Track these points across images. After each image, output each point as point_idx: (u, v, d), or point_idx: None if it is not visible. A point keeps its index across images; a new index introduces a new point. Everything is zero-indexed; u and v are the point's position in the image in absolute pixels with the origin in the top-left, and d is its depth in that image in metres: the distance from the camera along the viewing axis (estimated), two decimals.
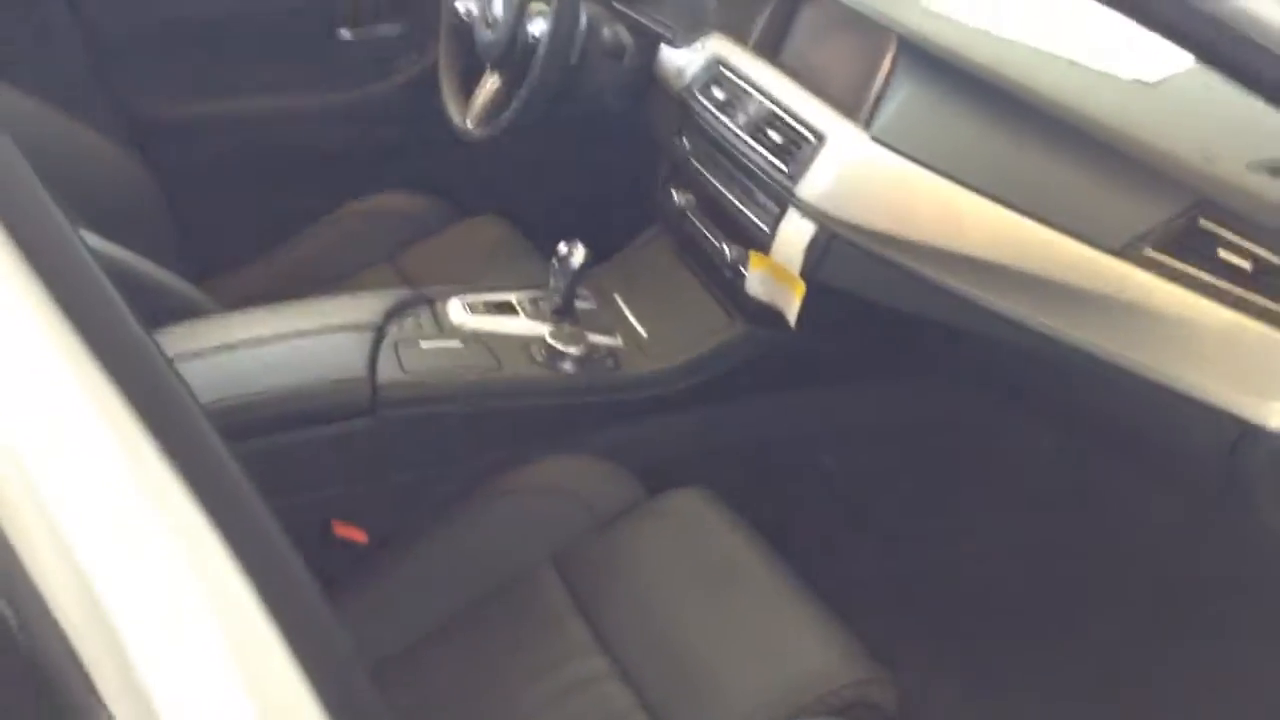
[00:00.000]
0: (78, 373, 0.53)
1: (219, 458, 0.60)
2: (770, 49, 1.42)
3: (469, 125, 1.65)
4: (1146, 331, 0.96)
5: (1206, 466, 0.98)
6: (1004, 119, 1.07)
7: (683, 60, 1.50)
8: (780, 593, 1.13)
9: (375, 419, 1.24)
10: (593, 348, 1.39)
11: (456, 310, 1.43)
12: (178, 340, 1.25)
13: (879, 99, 1.19)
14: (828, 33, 1.35)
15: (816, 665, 1.04)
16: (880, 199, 1.14)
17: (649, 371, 1.41)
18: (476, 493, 1.27)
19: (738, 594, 1.13)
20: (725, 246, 1.42)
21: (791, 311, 1.27)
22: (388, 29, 2.06)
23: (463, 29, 1.70)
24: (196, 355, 1.24)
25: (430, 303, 1.44)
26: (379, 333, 1.33)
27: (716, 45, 1.46)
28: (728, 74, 1.41)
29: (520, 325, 1.43)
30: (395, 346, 1.31)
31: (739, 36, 1.45)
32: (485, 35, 1.59)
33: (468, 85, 1.71)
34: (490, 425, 1.32)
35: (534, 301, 1.47)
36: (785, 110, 1.28)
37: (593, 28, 1.53)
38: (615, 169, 1.84)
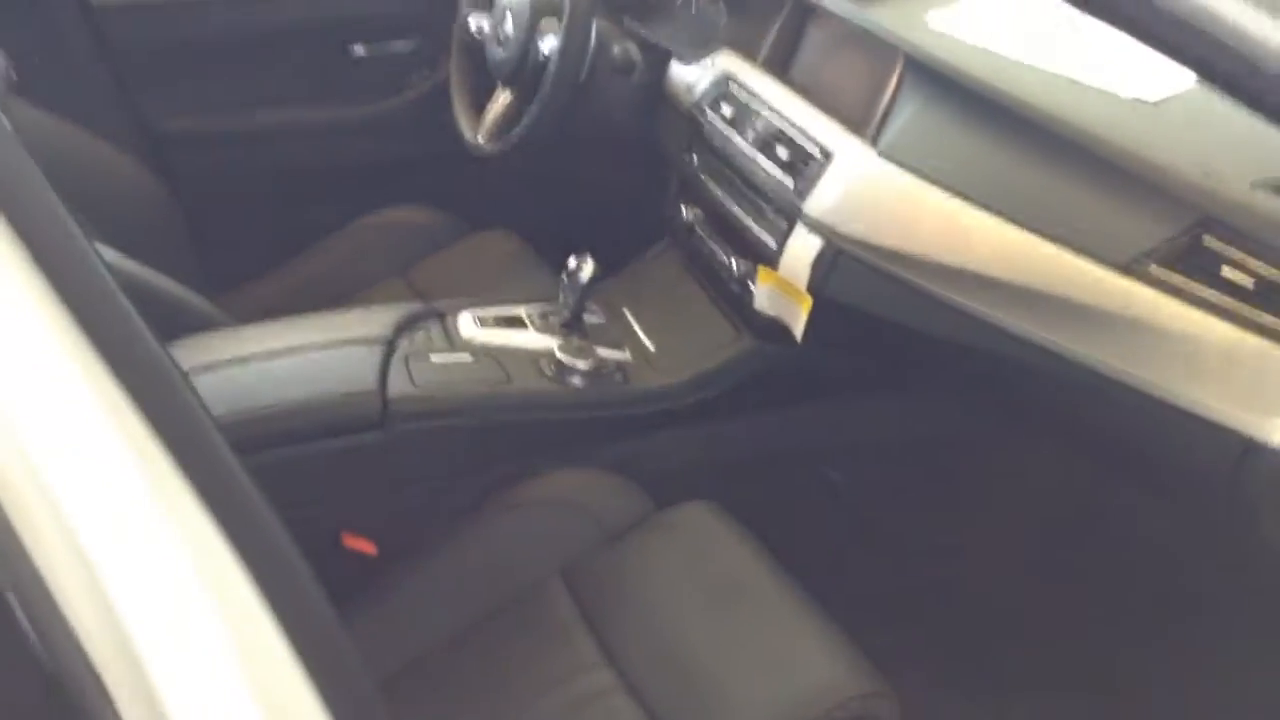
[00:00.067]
0: (94, 385, 0.54)
1: (231, 469, 0.60)
2: (779, 66, 1.43)
3: (480, 140, 1.67)
4: (1150, 348, 0.96)
5: (1210, 483, 0.98)
6: (1009, 136, 1.07)
7: (692, 77, 1.51)
8: (786, 607, 1.13)
9: (385, 432, 1.25)
10: (601, 362, 1.39)
11: (467, 324, 1.44)
12: (192, 353, 1.27)
13: (886, 116, 1.20)
14: (835, 50, 1.37)
15: (822, 679, 1.04)
16: (887, 215, 1.15)
17: (657, 385, 1.42)
18: (485, 506, 1.28)
19: (744, 607, 1.14)
20: (733, 261, 1.43)
21: (798, 326, 1.28)
22: (401, 46, 2.08)
23: (474, 46, 1.72)
24: (210, 368, 1.25)
25: (441, 316, 1.45)
26: (389, 346, 1.34)
27: (725, 62, 1.47)
28: (736, 90, 1.42)
29: (529, 339, 1.44)
30: (406, 360, 1.32)
31: (748, 53, 1.46)
32: (496, 52, 1.61)
33: (479, 101, 1.72)
34: (499, 439, 1.33)
35: (543, 315, 1.48)
36: (793, 126, 1.29)
37: (603, 44, 1.55)
38: (625, 184, 1.86)
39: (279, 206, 2.00)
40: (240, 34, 1.95)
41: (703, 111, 1.45)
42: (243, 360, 1.28)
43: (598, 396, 1.38)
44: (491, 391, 1.32)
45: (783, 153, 1.28)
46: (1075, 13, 0.92)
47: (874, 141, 1.19)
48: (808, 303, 1.25)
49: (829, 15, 1.34)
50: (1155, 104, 1.05)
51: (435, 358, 1.34)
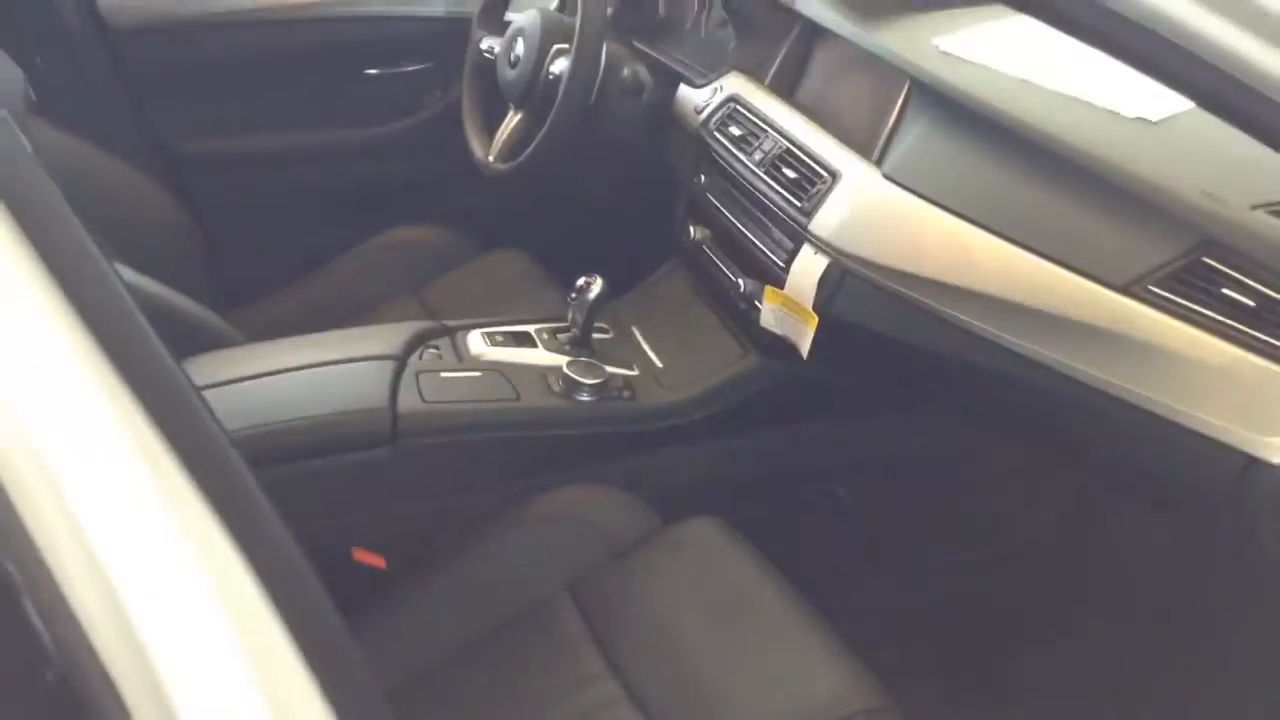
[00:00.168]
0: (111, 401, 0.55)
1: (244, 483, 0.61)
2: (786, 88, 1.44)
3: (491, 161, 1.68)
4: (1152, 366, 0.97)
5: (1211, 499, 0.99)
6: (1012, 157, 1.09)
7: (700, 98, 1.53)
8: (792, 622, 1.13)
9: (396, 448, 1.26)
10: (609, 379, 1.40)
11: (476, 341, 1.46)
12: (206, 369, 1.28)
13: (891, 138, 1.22)
14: (842, 73, 1.38)
15: (826, 693, 1.05)
16: (891, 235, 1.16)
17: (665, 402, 1.43)
18: (494, 521, 1.28)
19: (750, 622, 1.14)
20: (740, 280, 1.44)
21: (804, 344, 1.29)
22: (413, 68, 2.10)
23: (486, 68, 1.74)
24: (224, 384, 1.26)
25: (451, 334, 1.47)
26: (400, 363, 1.35)
27: (733, 84, 1.49)
28: (744, 112, 1.44)
29: (539, 356, 1.45)
30: (416, 377, 1.34)
31: (755, 76, 1.48)
32: (508, 74, 1.63)
33: (490, 123, 1.74)
34: (508, 454, 1.34)
35: (552, 333, 1.50)
36: (800, 148, 1.31)
37: (613, 66, 1.56)
38: (633, 204, 1.87)
39: (293, 226, 2.02)
40: (256, 57, 1.97)
41: (711, 133, 1.47)
42: (256, 377, 1.29)
43: (605, 413, 1.39)
44: (500, 408, 1.34)
45: (789, 173, 1.30)
46: None
47: (879, 163, 1.20)
48: (814, 321, 1.27)
49: (836, 39, 1.36)
50: (1157, 125, 1.06)
51: (445, 374, 1.36)
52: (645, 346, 1.56)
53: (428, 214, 2.00)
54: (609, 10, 1.59)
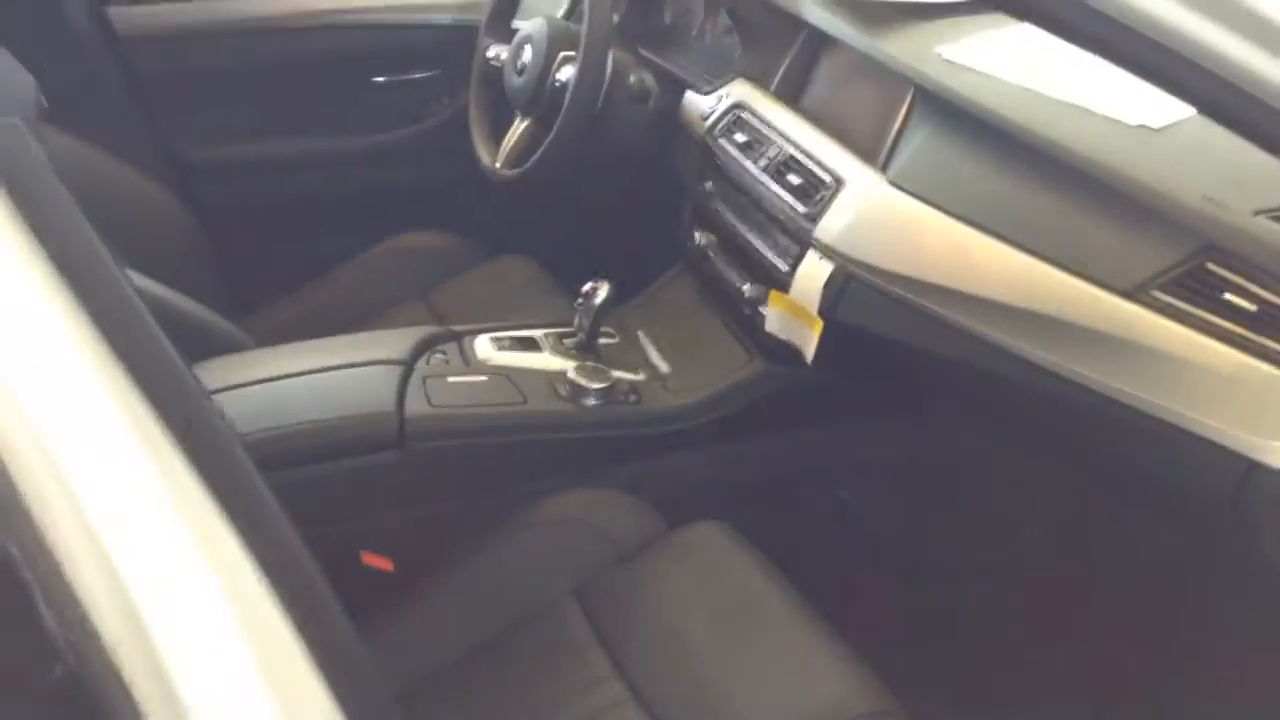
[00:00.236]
0: (122, 404, 0.56)
1: (253, 486, 0.62)
2: (791, 95, 1.45)
3: (498, 167, 1.69)
4: (1154, 371, 0.97)
5: (1213, 503, 0.99)
6: (1015, 164, 1.09)
7: (706, 105, 1.53)
8: (796, 625, 1.14)
9: (403, 452, 1.27)
10: (615, 383, 1.41)
11: (483, 346, 1.46)
12: (215, 374, 1.29)
13: (895, 144, 1.22)
14: (847, 80, 1.39)
15: (830, 696, 1.05)
16: (896, 240, 1.17)
17: (670, 407, 1.44)
18: (501, 524, 1.29)
19: (755, 626, 1.15)
20: (745, 286, 1.44)
21: (809, 349, 1.30)
22: (421, 75, 2.11)
23: (493, 75, 1.75)
24: (233, 388, 1.27)
25: (458, 339, 1.47)
26: (407, 368, 1.36)
27: (739, 91, 1.50)
28: (750, 119, 1.44)
29: (545, 361, 1.46)
30: (423, 381, 1.35)
31: (761, 82, 1.49)
32: (515, 81, 1.64)
33: (498, 129, 1.75)
34: (514, 458, 1.35)
35: (559, 338, 1.50)
36: (805, 154, 1.32)
37: (619, 73, 1.57)
38: (639, 210, 1.88)
39: (301, 232, 2.03)
40: (265, 64, 1.99)
41: (716, 139, 1.48)
42: (265, 381, 1.30)
43: (611, 417, 1.40)
44: (507, 412, 1.34)
45: (794, 179, 1.31)
46: None
47: (884, 169, 1.21)
48: (819, 326, 1.27)
49: (840, 46, 1.36)
50: (1160, 131, 1.06)
51: (452, 379, 1.37)
52: (651, 351, 1.56)
53: (435, 220, 2.01)
54: (615, 18, 1.59)
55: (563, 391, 1.40)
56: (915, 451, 1.59)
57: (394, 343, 1.42)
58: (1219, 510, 0.98)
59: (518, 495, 1.31)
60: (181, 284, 1.41)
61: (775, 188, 1.33)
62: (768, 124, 1.41)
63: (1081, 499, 1.59)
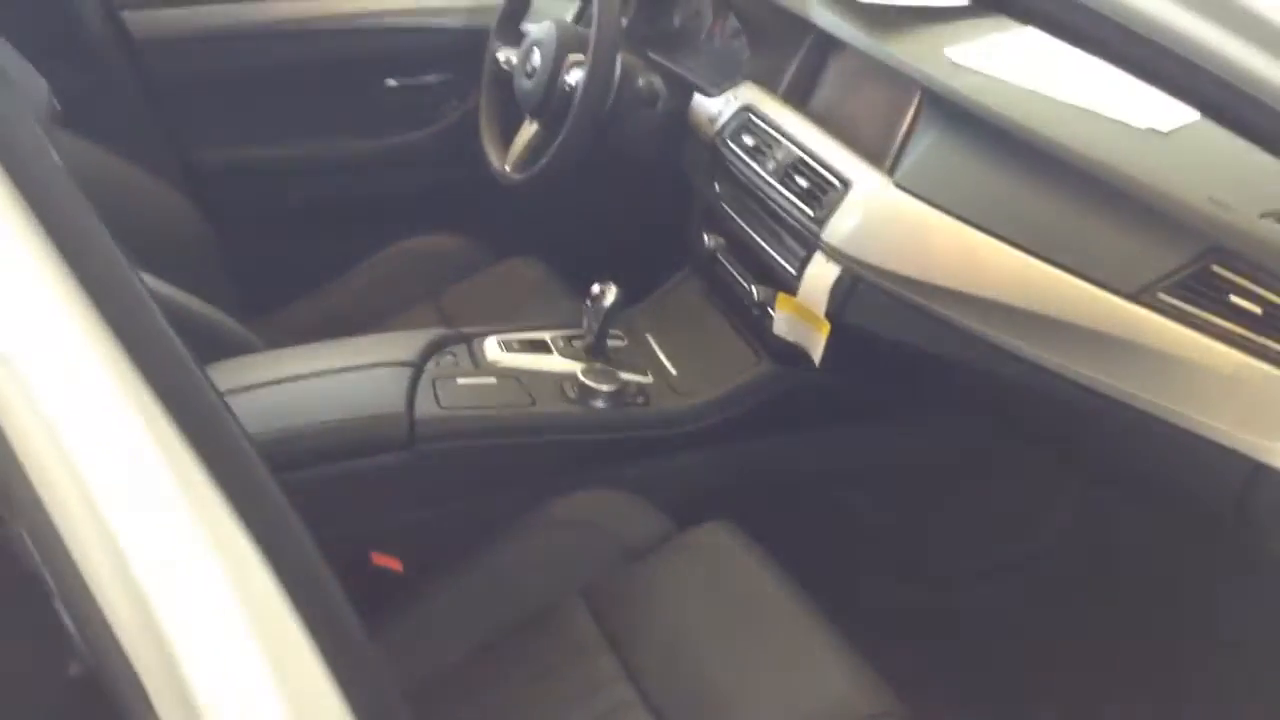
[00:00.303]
0: (137, 404, 0.56)
1: (265, 486, 0.62)
2: (799, 98, 1.46)
3: (508, 170, 1.70)
4: (1160, 373, 0.97)
5: (1219, 504, 0.99)
6: (1022, 167, 1.09)
7: (714, 108, 1.54)
8: (803, 627, 1.14)
9: (413, 453, 1.28)
10: (624, 385, 1.42)
11: (493, 348, 1.47)
12: (227, 375, 1.30)
13: (903, 146, 1.23)
14: (854, 83, 1.39)
15: (836, 697, 1.06)
16: (902, 243, 1.17)
17: (678, 408, 1.44)
18: (509, 525, 1.29)
19: (762, 627, 1.15)
20: (753, 288, 1.45)
21: (817, 351, 1.30)
22: (432, 78, 2.12)
23: (503, 78, 1.75)
24: (245, 390, 1.28)
25: (467, 341, 1.48)
26: (418, 369, 1.37)
27: (747, 94, 1.50)
28: (758, 122, 1.45)
29: (554, 363, 1.46)
30: (433, 383, 1.35)
31: (769, 85, 1.49)
32: (524, 84, 1.65)
33: (507, 132, 1.75)
34: (523, 460, 1.35)
35: (568, 340, 1.51)
36: (812, 157, 1.32)
37: (628, 77, 1.58)
38: (648, 213, 1.88)
39: (312, 234, 2.04)
40: (277, 68, 2.00)
41: (725, 142, 1.48)
42: (276, 382, 1.31)
43: (619, 419, 1.40)
44: (516, 413, 1.35)
45: (802, 182, 1.31)
46: None
47: (891, 171, 1.21)
48: (826, 328, 1.28)
49: (848, 49, 1.37)
50: (1166, 134, 1.07)
51: (462, 380, 1.37)
52: (659, 353, 1.57)
53: (445, 222, 2.02)
54: (624, 21, 1.60)
55: (571, 393, 1.40)
56: (922, 453, 1.60)
57: (404, 344, 1.42)
58: (1225, 512, 0.98)
59: (526, 496, 1.32)
60: (194, 286, 1.42)
61: (783, 190, 1.33)
62: (775, 127, 1.41)
63: (1087, 502, 1.59)
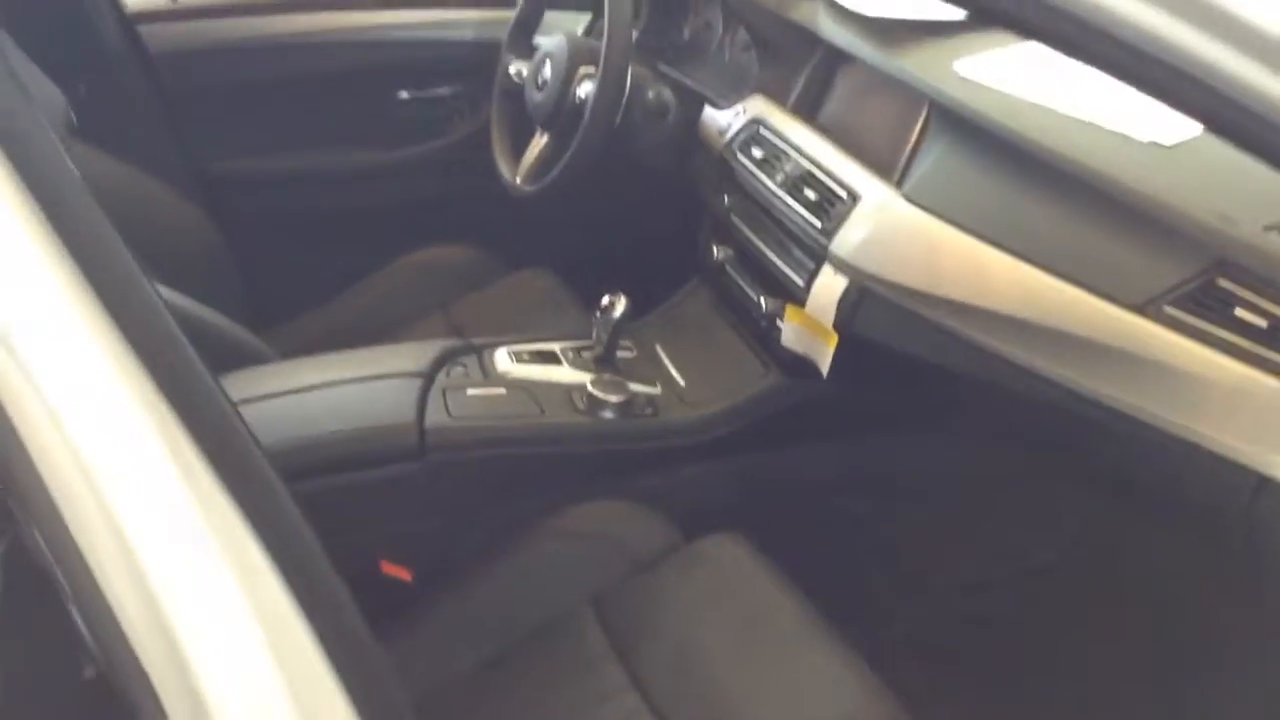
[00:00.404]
0: (151, 413, 0.57)
1: (276, 496, 0.63)
2: (808, 111, 1.46)
3: (519, 182, 1.70)
4: (1166, 386, 0.98)
5: (1225, 516, 1.00)
6: (1029, 180, 1.10)
7: (724, 121, 1.54)
8: (811, 638, 1.14)
9: (423, 463, 1.29)
10: (632, 396, 1.42)
11: (503, 359, 1.48)
12: (239, 385, 1.31)
13: (911, 160, 1.23)
14: (863, 96, 1.40)
15: (844, 708, 1.06)
16: (910, 255, 1.18)
17: (687, 419, 1.45)
18: (519, 535, 1.30)
19: (770, 638, 1.15)
20: (762, 299, 1.45)
21: (824, 362, 1.31)
22: (443, 90, 2.13)
23: (514, 90, 1.76)
24: (257, 400, 1.29)
25: (478, 351, 1.49)
26: (428, 380, 1.38)
27: (757, 106, 1.51)
28: (767, 134, 1.45)
29: (563, 374, 1.47)
30: (443, 393, 1.36)
31: (778, 98, 1.50)
32: (535, 96, 1.65)
33: (518, 144, 1.76)
34: (533, 470, 1.36)
35: (577, 351, 1.52)
36: (821, 169, 1.33)
37: (638, 89, 1.58)
38: (658, 225, 1.89)
39: (324, 245, 2.05)
40: (291, 80, 2.01)
41: (734, 154, 1.49)
42: (288, 393, 1.32)
43: (628, 430, 1.41)
44: (525, 424, 1.36)
45: (811, 194, 1.32)
46: None
47: (899, 184, 1.22)
48: (834, 340, 1.28)
49: (857, 63, 1.37)
50: (1171, 148, 1.07)
51: (471, 391, 1.38)
52: (668, 364, 1.58)
53: (456, 234, 2.02)
54: (634, 34, 1.60)
55: (580, 404, 1.41)
56: (929, 464, 1.60)
57: (414, 355, 1.43)
58: (1231, 524, 0.98)
59: (535, 507, 1.32)
60: (207, 297, 1.43)
61: (791, 203, 1.34)
62: (785, 139, 1.42)
63: (1093, 514, 1.58)
